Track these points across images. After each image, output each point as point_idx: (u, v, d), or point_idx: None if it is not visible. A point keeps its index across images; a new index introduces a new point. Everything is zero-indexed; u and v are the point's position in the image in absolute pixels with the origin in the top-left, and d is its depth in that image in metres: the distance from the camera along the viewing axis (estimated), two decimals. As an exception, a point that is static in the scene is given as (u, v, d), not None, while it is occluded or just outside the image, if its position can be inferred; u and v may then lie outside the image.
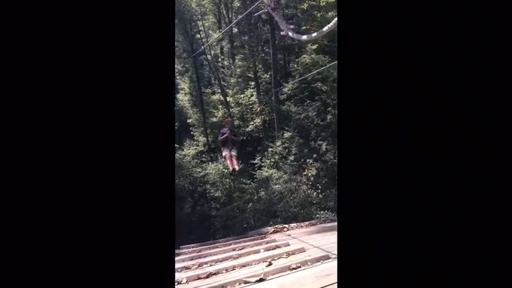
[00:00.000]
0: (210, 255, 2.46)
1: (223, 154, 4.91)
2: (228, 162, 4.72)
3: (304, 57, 7.03)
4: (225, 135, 4.77)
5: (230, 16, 10.19)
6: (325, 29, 1.33)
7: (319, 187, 6.03)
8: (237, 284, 1.61)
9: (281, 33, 2.56)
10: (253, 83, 8.92)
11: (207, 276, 1.81)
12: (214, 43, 10.65)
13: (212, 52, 10.92)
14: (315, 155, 6.47)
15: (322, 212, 5.34)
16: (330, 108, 6.56)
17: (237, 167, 4.67)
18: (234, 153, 4.75)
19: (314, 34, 1.64)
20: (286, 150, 6.94)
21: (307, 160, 6.46)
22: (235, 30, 10.15)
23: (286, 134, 7.07)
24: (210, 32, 11.09)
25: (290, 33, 2.10)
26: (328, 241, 2.51)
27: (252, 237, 3.20)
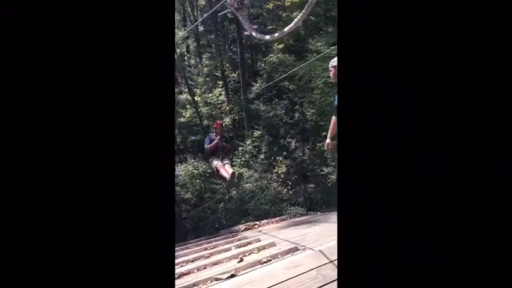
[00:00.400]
0: (181, 256, 2.43)
1: (213, 165, 3.91)
2: (222, 171, 3.76)
3: (271, 56, 7.14)
4: (215, 142, 3.84)
5: (196, 14, 10.02)
6: (286, 29, 1.38)
7: (289, 184, 6.18)
8: (209, 281, 1.61)
9: (245, 33, 2.59)
10: (221, 82, 8.87)
11: (179, 277, 1.80)
12: (180, 41, 10.40)
13: (178, 51, 10.65)
14: (284, 153, 6.61)
15: (292, 207, 5.47)
16: (297, 107, 6.74)
17: (233, 171, 3.74)
18: (226, 161, 3.95)
19: (276, 34, 1.68)
20: (257, 149, 7.01)
21: (277, 158, 6.58)
22: (201, 28, 10.00)
23: (256, 133, 7.14)
24: (176, 30, 10.82)
25: (253, 33, 2.14)
26: (298, 234, 2.60)
27: (224, 236, 3.21)
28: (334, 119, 2.71)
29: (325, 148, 2.87)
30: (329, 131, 2.82)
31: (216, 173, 3.98)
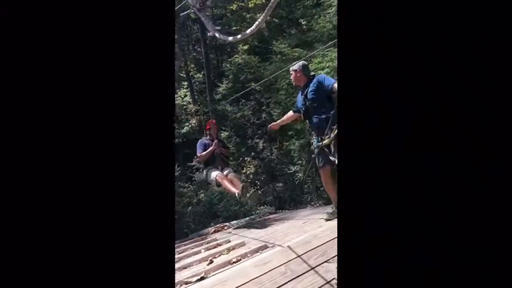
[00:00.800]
0: (148, 263, 2.34)
1: (212, 177, 2.99)
2: (227, 184, 2.87)
3: (237, 57, 7.16)
4: (211, 149, 3.02)
5: (157, 13, 9.70)
6: (248, 31, 1.41)
7: (258, 184, 6.24)
8: (178, 286, 1.58)
9: (208, 34, 2.59)
10: (186, 83, 8.70)
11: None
12: (142, 41, 10.00)
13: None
14: (252, 153, 6.66)
15: (261, 207, 5.53)
16: (264, 107, 6.83)
17: (243, 184, 2.82)
18: (228, 171, 3.10)
19: (239, 36, 1.71)
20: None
21: (246, 158, 6.61)
22: (163, 28, 9.71)
23: (224, 134, 7.11)
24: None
25: (216, 34, 2.15)
26: (266, 232, 2.64)
27: (192, 240, 3.16)
28: (290, 113, 2.86)
29: (268, 128, 3.04)
30: (281, 119, 3.01)
31: (215, 187, 3.10)
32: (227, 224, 3.73)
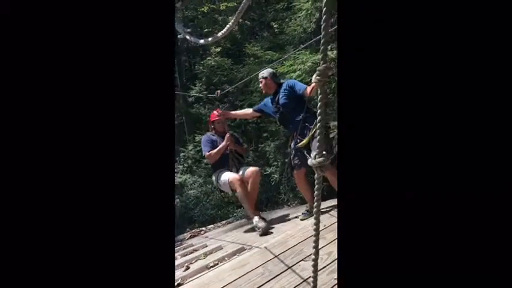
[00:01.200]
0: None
1: (222, 181, 2.37)
2: (244, 196, 2.33)
3: (209, 59, 7.11)
4: (223, 145, 2.38)
5: (125, 14, 9.37)
6: (219, 34, 1.41)
7: (234, 186, 6.22)
8: (153, 295, 1.53)
9: (178, 36, 2.55)
10: (158, 86, 8.47)
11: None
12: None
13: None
14: (227, 156, 6.62)
15: (238, 210, 5.51)
16: (238, 109, 6.83)
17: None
18: (244, 170, 2.45)
19: (210, 38, 1.71)
20: (199, 154, 6.88)
21: (221, 161, 6.56)
22: (132, 29, 9.41)
23: (198, 137, 7.00)
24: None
25: (187, 37, 2.12)
26: (244, 235, 2.64)
27: (169, 246, 3.07)
28: (249, 110, 2.89)
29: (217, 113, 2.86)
30: (235, 112, 3.06)
31: (229, 192, 2.46)
32: (203, 228, 3.68)
